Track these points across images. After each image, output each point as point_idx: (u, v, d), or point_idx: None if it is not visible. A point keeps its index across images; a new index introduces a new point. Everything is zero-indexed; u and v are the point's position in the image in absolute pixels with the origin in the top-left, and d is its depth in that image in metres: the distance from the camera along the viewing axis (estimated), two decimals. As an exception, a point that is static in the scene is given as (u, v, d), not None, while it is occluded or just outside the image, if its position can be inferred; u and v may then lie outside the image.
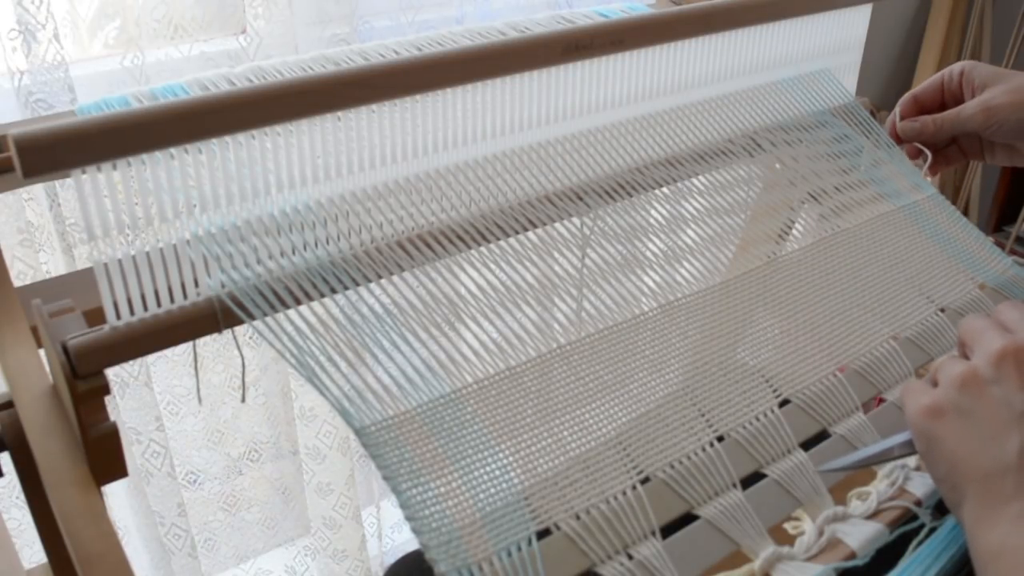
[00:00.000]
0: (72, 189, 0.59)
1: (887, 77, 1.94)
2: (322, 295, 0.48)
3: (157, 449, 1.00)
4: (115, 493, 1.03)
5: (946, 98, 0.73)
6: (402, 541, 1.37)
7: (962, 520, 0.44)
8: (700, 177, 0.64)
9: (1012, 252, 1.98)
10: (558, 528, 0.43)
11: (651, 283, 0.57)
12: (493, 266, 0.53)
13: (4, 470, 0.52)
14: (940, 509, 0.49)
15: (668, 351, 0.53)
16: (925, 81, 0.75)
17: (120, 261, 0.45)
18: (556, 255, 0.56)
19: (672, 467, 0.47)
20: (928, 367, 0.58)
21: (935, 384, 0.48)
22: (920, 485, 0.51)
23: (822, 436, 0.53)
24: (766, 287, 0.59)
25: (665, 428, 0.49)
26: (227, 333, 0.49)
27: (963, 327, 0.50)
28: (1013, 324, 0.48)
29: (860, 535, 0.47)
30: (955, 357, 0.50)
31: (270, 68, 0.56)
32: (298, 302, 0.47)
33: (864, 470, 0.53)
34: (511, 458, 0.45)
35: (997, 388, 0.44)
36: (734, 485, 0.48)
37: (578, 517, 0.44)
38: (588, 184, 0.59)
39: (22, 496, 0.53)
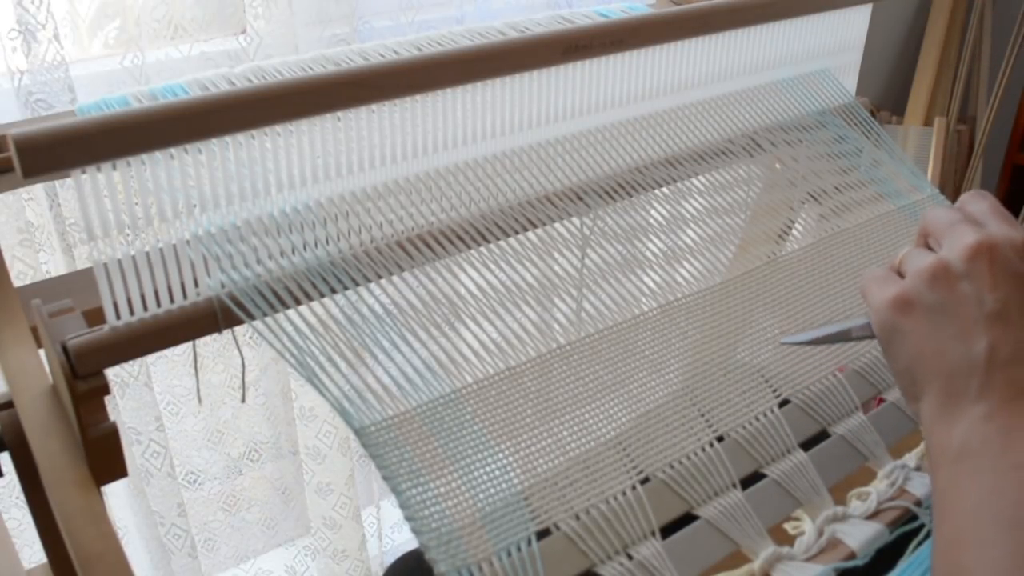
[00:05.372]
0: (72, 189, 0.59)
1: (887, 77, 1.94)
2: (322, 295, 0.48)
3: (157, 449, 1.00)
4: (115, 493, 1.03)
5: None
6: (402, 541, 1.37)
7: (918, 413, 0.43)
8: (700, 177, 0.64)
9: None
10: (558, 528, 0.43)
11: (651, 283, 0.57)
12: (493, 266, 0.53)
13: (4, 470, 0.52)
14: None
15: (668, 351, 0.53)
16: None
17: (120, 261, 0.45)
18: (556, 255, 0.56)
19: (672, 467, 0.47)
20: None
21: (900, 274, 0.45)
22: (920, 485, 0.51)
23: (822, 436, 0.53)
24: (766, 287, 0.59)
25: (665, 428, 0.49)
26: (227, 333, 0.49)
27: (929, 218, 0.46)
28: (982, 216, 0.45)
29: (860, 535, 0.48)
30: (921, 249, 0.46)
31: (270, 68, 0.56)
32: (298, 302, 0.47)
33: (864, 470, 0.53)
34: (511, 458, 0.45)
35: (968, 284, 0.42)
36: (734, 485, 0.48)
37: (578, 517, 0.44)
38: (588, 184, 0.59)
39: (22, 496, 0.53)
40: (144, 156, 0.44)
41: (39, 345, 0.51)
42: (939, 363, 0.41)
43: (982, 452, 0.38)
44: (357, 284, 0.49)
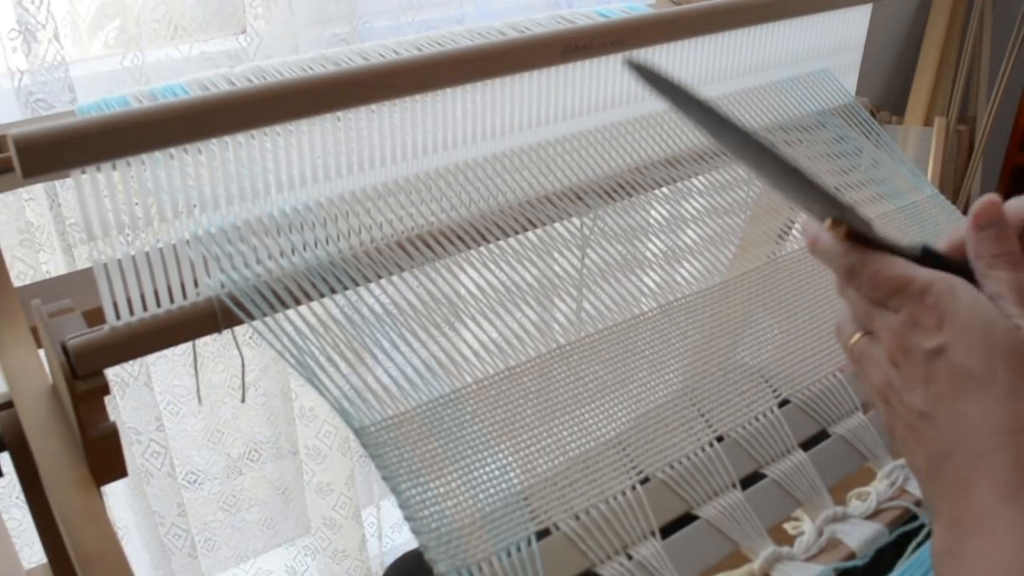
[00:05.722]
0: (72, 189, 0.59)
1: (887, 77, 1.94)
2: (322, 295, 0.48)
3: (157, 449, 1.00)
4: (115, 493, 1.03)
5: None
6: (402, 541, 1.37)
7: None
8: (700, 177, 0.64)
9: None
10: (558, 528, 0.43)
11: (651, 283, 0.57)
12: (493, 266, 0.53)
13: (4, 470, 0.52)
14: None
15: (668, 351, 0.53)
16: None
17: (120, 261, 0.45)
18: (556, 255, 0.56)
19: (672, 467, 0.47)
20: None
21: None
22: (920, 485, 0.51)
23: (822, 436, 0.53)
24: (766, 287, 0.59)
25: (665, 428, 0.49)
26: (227, 333, 0.49)
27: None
28: (864, 312, 0.41)
29: (860, 535, 0.48)
30: (873, 347, 0.41)
31: (270, 68, 0.56)
32: (298, 302, 0.47)
33: (864, 470, 0.53)
34: (511, 458, 0.45)
35: (907, 394, 0.39)
36: (734, 485, 0.48)
37: (578, 517, 0.44)
38: (588, 184, 0.59)
39: (22, 496, 0.53)
40: (144, 156, 0.44)
41: (39, 345, 0.51)
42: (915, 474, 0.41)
43: (951, 571, 0.37)
44: (357, 284, 0.49)
